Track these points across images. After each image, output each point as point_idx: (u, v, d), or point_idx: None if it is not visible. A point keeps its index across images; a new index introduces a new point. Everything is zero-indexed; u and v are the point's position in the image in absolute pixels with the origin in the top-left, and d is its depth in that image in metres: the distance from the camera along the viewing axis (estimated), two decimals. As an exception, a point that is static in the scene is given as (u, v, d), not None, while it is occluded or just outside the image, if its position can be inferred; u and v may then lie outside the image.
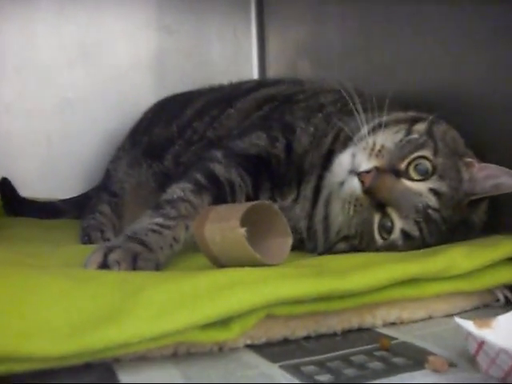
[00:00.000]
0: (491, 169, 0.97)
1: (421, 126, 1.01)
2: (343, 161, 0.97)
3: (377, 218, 0.95)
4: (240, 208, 0.82)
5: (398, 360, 0.67)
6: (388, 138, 0.97)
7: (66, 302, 0.66)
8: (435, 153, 0.97)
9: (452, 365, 0.65)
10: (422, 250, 0.92)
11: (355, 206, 0.95)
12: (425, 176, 0.95)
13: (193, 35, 1.93)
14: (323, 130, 1.11)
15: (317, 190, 1.06)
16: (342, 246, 1.00)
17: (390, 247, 0.95)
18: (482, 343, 0.61)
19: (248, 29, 1.99)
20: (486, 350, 0.60)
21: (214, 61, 1.95)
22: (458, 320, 0.64)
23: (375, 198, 0.94)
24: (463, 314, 0.85)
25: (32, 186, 1.68)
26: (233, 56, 1.98)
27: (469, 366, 0.65)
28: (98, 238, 1.32)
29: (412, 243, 0.95)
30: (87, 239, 1.31)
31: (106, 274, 0.80)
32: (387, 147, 0.96)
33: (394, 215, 0.94)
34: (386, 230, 0.95)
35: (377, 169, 0.93)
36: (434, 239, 0.95)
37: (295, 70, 1.79)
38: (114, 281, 0.73)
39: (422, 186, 0.94)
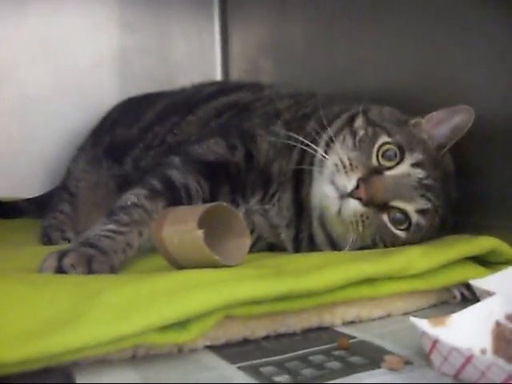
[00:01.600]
0: (436, 115, 1.03)
1: (359, 121, 1.04)
2: (327, 192, 0.98)
3: (385, 217, 0.97)
4: (198, 210, 0.82)
5: (355, 359, 0.68)
6: (345, 148, 1.00)
7: (22, 307, 0.66)
8: (389, 134, 1.00)
9: (408, 363, 0.66)
10: (380, 250, 0.95)
11: (363, 221, 0.96)
12: (395, 159, 0.98)
13: (156, 34, 1.92)
14: (286, 139, 1.10)
15: (297, 201, 1.06)
16: None
17: (419, 232, 0.98)
18: (435, 342, 0.62)
19: (211, 28, 1.99)
20: (439, 348, 0.62)
21: (177, 60, 1.94)
22: (413, 319, 0.65)
23: (376, 203, 0.96)
24: (421, 311, 0.87)
25: (-8, 184, 1.66)
26: (196, 55, 1.97)
27: (424, 363, 0.66)
28: (58, 237, 1.31)
29: (431, 216, 0.98)
30: (47, 239, 1.30)
31: (63, 278, 0.79)
32: (352, 156, 0.98)
33: (401, 204, 0.97)
34: (400, 221, 0.98)
35: (361, 179, 0.95)
36: (442, 199, 1.00)
37: (257, 70, 1.79)
38: (71, 284, 0.73)
39: (403, 167, 0.98)
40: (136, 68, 1.89)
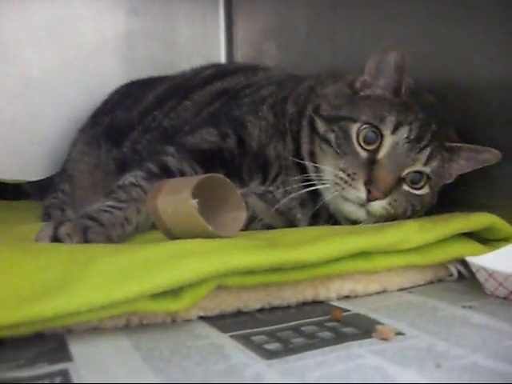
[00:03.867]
0: (371, 62, 1.04)
1: (319, 126, 1.06)
2: (347, 208, 1.01)
3: (406, 186, 1.02)
4: (192, 180, 0.82)
5: (347, 330, 0.68)
6: (331, 159, 1.03)
7: (16, 273, 0.66)
8: (353, 119, 1.02)
9: (399, 333, 0.66)
10: (378, 224, 0.95)
11: (392, 206, 1.00)
12: (377, 137, 1.00)
13: (161, 18, 1.92)
14: (274, 122, 1.13)
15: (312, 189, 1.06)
16: None
17: (442, 167, 1.03)
18: (492, 273, 0.79)
19: (216, 12, 1.98)
20: (496, 277, 0.78)
21: (181, 43, 1.94)
22: (468, 258, 0.83)
23: (392, 187, 0.99)
24: (417, 287, 0.87)
25: (-5, 166, 1.66)
26: (201, 39, 1.97)
27: (416, 334, 0.66)
28: (59, 216, 1.32)
29: (439, 148, 1.02)
30: (47, 218, 1.31)
31: (58, 246, 0.80)
32: (344, 166, 1.00)
33: (409, 169, 1.01)
34: (417, 180, 1.02)
35: (367, 183, 0.98)
36: (433, 123, 1.02)
37: (261, 54, 1.79)
38: (65, 252, 0.73)
39: (388, 141, 1.00)
40: (140, 52, 1.89)
